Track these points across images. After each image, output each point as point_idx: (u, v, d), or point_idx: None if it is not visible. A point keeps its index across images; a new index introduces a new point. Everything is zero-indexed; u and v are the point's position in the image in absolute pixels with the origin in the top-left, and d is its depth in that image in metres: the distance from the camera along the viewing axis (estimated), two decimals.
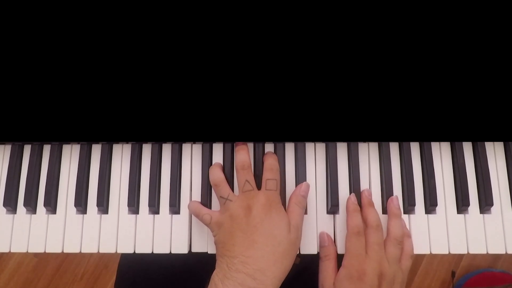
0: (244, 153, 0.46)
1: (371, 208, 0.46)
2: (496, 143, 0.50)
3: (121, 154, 0.50)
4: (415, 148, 0.49)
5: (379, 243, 0.44)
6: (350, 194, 0.48)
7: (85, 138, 0.48)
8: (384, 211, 0.48)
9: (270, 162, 0.46)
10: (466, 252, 0.47)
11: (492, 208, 0.48)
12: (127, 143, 0.51)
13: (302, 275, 0.63)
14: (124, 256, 0.66)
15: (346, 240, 0.45)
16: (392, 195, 0.47)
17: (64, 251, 0.48)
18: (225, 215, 0.44)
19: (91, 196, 0.49)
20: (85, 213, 0.49)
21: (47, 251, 0.48)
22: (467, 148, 0.49)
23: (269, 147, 0.50)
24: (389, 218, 0.46)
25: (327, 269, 0.45)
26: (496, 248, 0.47)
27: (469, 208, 0.48)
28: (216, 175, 0.46)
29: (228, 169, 0.49)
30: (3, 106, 0.48)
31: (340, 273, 0.44)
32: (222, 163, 0.49)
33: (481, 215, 0.48)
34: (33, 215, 0.49)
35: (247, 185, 0.44)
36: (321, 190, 0.49)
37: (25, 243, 0.49)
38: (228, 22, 0.48)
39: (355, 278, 0.42)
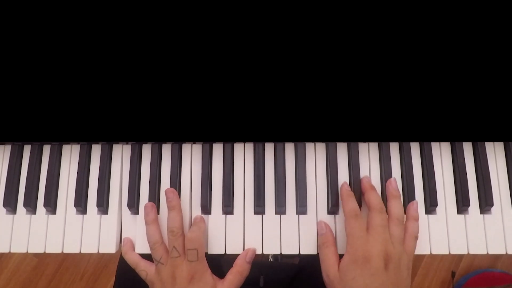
0: (174, 217, 0.46)
1: (372, 191, 0.46)
2: (496, 143, 0.50)
3: (121, 154, 0.50)
4: (415, 148, 0.49)
5: (383, 224, 0.43)
6: None
7: (85, 138, 0.48)
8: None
9: (192, 230, 0.45)
10: (466, 253, 0.47)
11: (492, 208, 0.48)
12: (127, 143, 0.50)
13: (301, 275, 0.63)
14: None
15: (345, 225, 0.44)
16: None
17: (64, 251, 0.48)
18: (157, 277, 0.45)
19: (91, 196, 0.49)
20: (85, 213, 0.49)
21: (47, 251, 0.48)
22: (467, 148, 0.49)
23: (269, 147, 0.50)
24: (388, 200, 0.46)
25: (327, 256, 0.44)
26: (496, 248, 0.47)
27: (469, 208, 0.48)
28: (153, 237, 0.46)
29: (228, 169, 0.49)
30: (3, 106, 0.48)
31: (344, 259, 0.43)
32: (222, 163, 0.49)
33: (481, 215, 0.48)
34: (33, 215, 0.49)
35: (174, 251, 0.44)
36: (321, 190, 0.48)
37: (25, 243, 0.48)
38: (228, 22, 0.48)
39: (360, 261, 0.41)
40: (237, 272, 0.46)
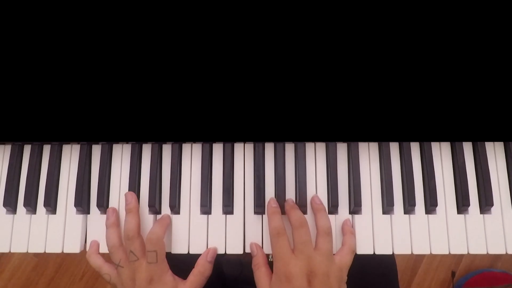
0: (130, 221, 0.46)
1: (292, 210, 0.46)
2: (496, 143, 0.50)
3: (121, 154, 0.50)
4: (415, 148, 0.49)
5: (305, 241, 0.43)
6: (349, 194, 0.48)
7: (85, 138, 0.48)
8: (384, 212, 0.48)
9: (152, 231, 0.45)
10: (466, 253, 0.47)
11: (492, 208, 0.48)
12: (127, 143, 0.50)
13: None
14: None
15: (271, 245, 0.45)
16: (392, 195, 0.47)
17: (64, 251, 0.48)
18: (118, 280, 0.45)
19: (91, 196, 0.49)
20: (85, 213, 0.49)
21: (47, 251, 0.48)
22: (467, 148, 0.49)
23: (269, 147, 0.50)
24: (314, 215, 0.46)
25: (260, 278, 0.45)
26: (496, 248, 0.47)
27: (469, 208, 0.48)
28: (111, 240, 0.46)
29: (228, 169, 0.49)
30: (3, 106, 0.48)
31: (272, 279, 0.44)
32: (222, 163, 0.49)
33: (481, 215, 0.48)
34: (33, 215, 0.49)
35: (132, 255, 0.44)
36: (321, 190, 0.48)
37: (25, 243, 0.49)
38: (228, 22, 0.48)
39: (284, 281, 0.42)
40: (199, 272, 0.46)
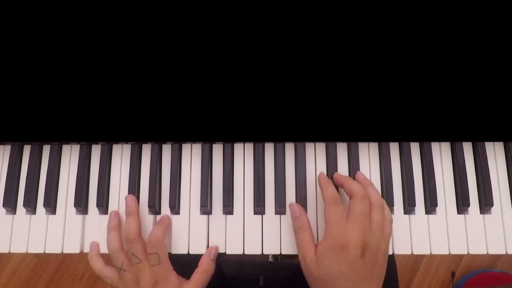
0: (129, 223, 0.46)
1: (351, 180, 0.46)
2: (496, 143, 0.50)
3: (121, 154, 0.50)
4: (415, 148, 0.49)
5: (365, 212, 0.43)
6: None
7: (85, 138, 0.48)
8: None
9: (152, 234, 0.45)
10: (466, 253, 0.47)
11: (492, 209, 0.48)
12: (127, 143, 0.50)
13: (301, 275, 0.63)
14: None
15: (324, 212, 0.44)
16: (392, 195, 0.47)
17: (64, 251, 0.48)
18: (121, 283, 0.45)
19: (91, 196, 0.49)
20: (85, 213, 0.49)
21: (47, 251, 0.48)
22: (467, 148, 0.49)
23: (269, 147, 0.50)
24: (365, 189, 0.45)
25: (304, 241, 0.44)
26: (496, 248, 0.47)
27: (469, 208, 0.48)
28: (112, 244, 0.46)
29: (228, 170, 0.49)
30: (3, 106, 0.48)
31: (322, 244, 0.42)
32: (222, 163, 0.49)
33: (481, 215, 0.48)
34: (33, 216, 0.49)
35: (134, 258, 0.44)
36: None
37: (25, 243, 0.48)
38: (228, 22, 0.48)
39: (338, 249, 0.41)
40: (203, 271, 0.46)
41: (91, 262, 0.47)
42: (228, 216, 0.48)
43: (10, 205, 0.49)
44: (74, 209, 0.49)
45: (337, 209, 0.43)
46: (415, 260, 1.19)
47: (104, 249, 0.48)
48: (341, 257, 0.41)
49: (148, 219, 0.49)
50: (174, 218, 0.48)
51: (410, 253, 0.47)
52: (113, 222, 0.47)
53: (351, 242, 0.41)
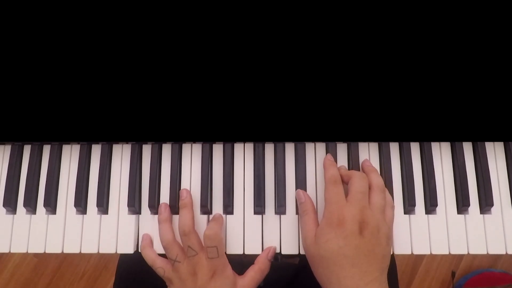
0: (184, 216, 0.46)
1: (353, 171, 0.47)
2: (496, 143, 0.50)
3: (121, 154, 0.50)
4: (415, 148, 0.49)
5: (363, 191, 0.43)
6: None
7: (85, 138, 0.48)
8: None
9: (209, 227, 0.45)
10: (466, 253, 0.47)
11: (492, 208, 0.48)
12: (127, 143, 0.50)
13: (301, 275, 0.63)
14: (123, 257, 0.66)
15: (325, 192, 0.45)
16: (392, 195, 0.47)
17: (64, 251, 0.48)
18: (176, 275, 0.45)
19: (91, 196, 0.49)
20: (85, 213, 0.49)
21: (47, 251, 0.48)
22: (467, 148, 0.49)
23: (269, 147, 0.50)
24: (367, 174, 0.46)
25: (306, 223, 0.44)
26: (496, 248, 0.47)
27: (469, 208, 0.48)
28: (165, 236, 0.46)
29: (228, 169, 0.49)
30: (3, 106, 0.48)
31: (321, 223, 0.43)
32: (222, 163, 0.49)
33: (481, 215, 0.48)
34: (33, 215, 0.49)
35: (190, 251, 0.44)
36: (322, 190, 0.48)
37: (25, 243, 0.48)
38: (228, 22, 0.48)
39: (335, 224, 0.41)
40: (259, 269, 0.47)
41: (143, 252, 0.47)
42: (228, 216, 0.48)
43: (10, 205, 0.49)
44: (74, 209, 0.49)
45: (336, 189, 0.44)
46: (415, 260, 1.19)
47: (103, 249, 0.48)
48: (338, 232, 0.41)
49: (149, 219, 0.49)
50: (174, 218, 0.48)
51: (410, 253, 0.47)
52: (164, 213, 0.47)
53: (347, 217, 0.42)
